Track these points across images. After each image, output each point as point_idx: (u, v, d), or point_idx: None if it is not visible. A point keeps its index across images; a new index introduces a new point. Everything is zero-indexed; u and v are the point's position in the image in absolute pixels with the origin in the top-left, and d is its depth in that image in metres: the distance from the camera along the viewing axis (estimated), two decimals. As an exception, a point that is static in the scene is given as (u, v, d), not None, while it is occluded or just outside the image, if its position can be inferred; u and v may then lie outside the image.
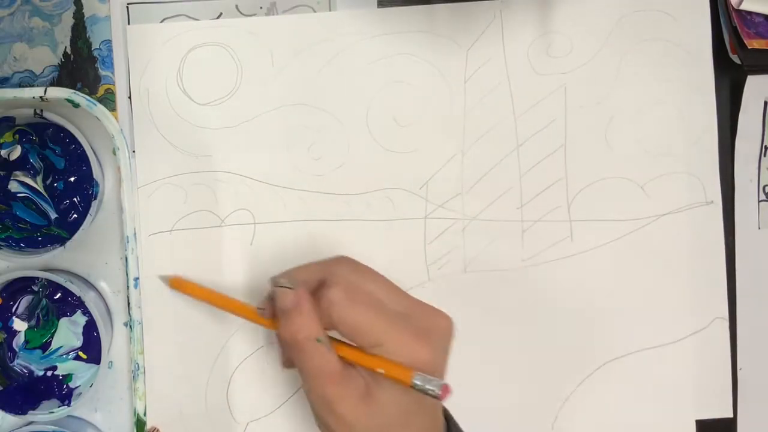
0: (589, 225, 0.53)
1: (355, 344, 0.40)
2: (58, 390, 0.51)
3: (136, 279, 0.50)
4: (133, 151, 0.52)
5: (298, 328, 0.40)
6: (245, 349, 0.52)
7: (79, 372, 0.51)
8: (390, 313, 0.40)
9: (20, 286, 0.51)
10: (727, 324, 0.54)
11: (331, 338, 0.41)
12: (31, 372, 0.51)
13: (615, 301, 0.53)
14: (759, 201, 0.55)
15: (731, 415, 0.54)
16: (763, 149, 0.55)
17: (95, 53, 0.52)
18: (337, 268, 0.42)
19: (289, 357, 0.44)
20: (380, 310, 0.40)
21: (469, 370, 0.53)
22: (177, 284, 0.51)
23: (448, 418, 0.44)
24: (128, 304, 0.50)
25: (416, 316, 0.41)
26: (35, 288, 0.51)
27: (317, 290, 0.41)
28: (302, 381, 0.41)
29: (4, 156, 0.49)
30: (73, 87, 0.51)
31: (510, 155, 0.53)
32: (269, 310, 0.44)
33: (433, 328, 0.41)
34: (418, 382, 0.38)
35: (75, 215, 0.50)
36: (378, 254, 0.52)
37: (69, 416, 0.51)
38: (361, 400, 0.39)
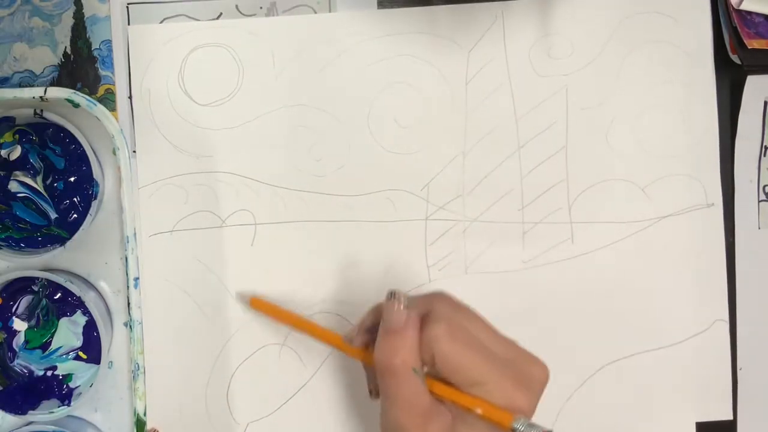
0: (590, 227, 0.53)
1: (449, 380, 0.39)
2: (58, 390, 0.51)
3: (136, 279, 0.50)
4: (134, 152, 0.52)
5: (397, 353, 0.39)
6: (245, 349, 0.52)
7: (79, 372, 0.51)
8: (491, 355, 0.39)
9: (20, 286, 0.51)
10: (727, 326, 0.54)
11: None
12: (31, 372, 0.51)
13: (615, 303, 0.53)
14: (759, 201, 0.55)
15: (731, 418, 0.54)
16: (763, 149, 0.55)
17: (95, 53, 0.52)
18: (439, 304, 0.41)
19: (377, 383, 0.43)
20: (482, 350, 0.39)
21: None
22: (257, 304, 0.51)
23: None
24: (128, 304, 0.50)
25: (516, 360, 0.40)
26: (35, 288, 0.51)
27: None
28: (385, 408, 0.40)
29: (4, 156, 0.49)
30: (73, 87, 0.51)
31: (511, 157, 0.53)
32: (359, 340, 0.44)
33: (531, 376, 0.40)
34: (519, 427, 0.37)
35: (75, 215, 0.50)
36: (379, 256, 0.52)
37: (69, 416, 0.51)
38: None
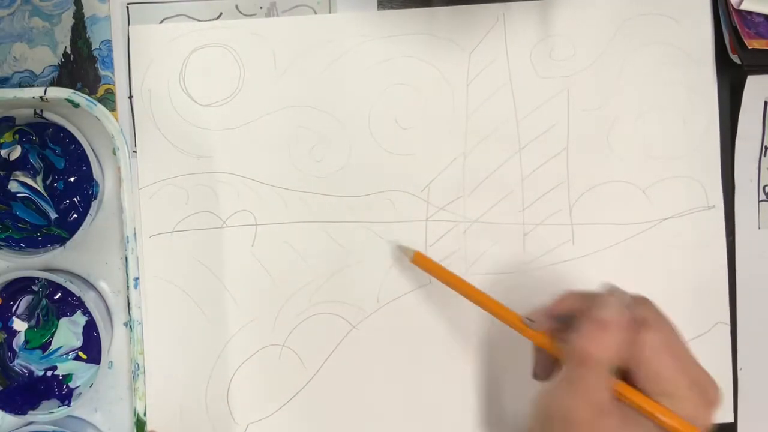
0: (591, 229, 0.53)
1: (643, 385, 0.40)
2: (58, 390, 0.51)
3: (136, 279, 0.50)
4: (134, 152, 0.52)
5: (601, 346, 0.39)
6: (246, 350, 0.52)
7: (79, 372, 0.51)
8: (687, 370, 0.40)
9: (20, 286, 0.51)
10: (728, 329, 0.54)
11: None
12: (31, 372, 0.51)
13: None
14: (759, 201, 0.55)
15: (732, 420, 0.54)
16: (763, 149, 0.54)
17: (95, 53, 0.52)
18: (651, 311, 0.41)
19: (548, 366, 0.43)
20: (681, 364, 0.40)
21: (470, 371, 0.53)
22: (419, 260, 0.50)
23: None
24: (128, 304, 0.50)
25: (700, 379, 0.40)
26: (35, 288, 0.51)
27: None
28: (558, 393, 0.40)
29: (4, 156, 0.49)
30: (73, 87, 0.51)
31: (512, 158, 0.53)
32: (546, 325, 0.44)
33: (713, 397, 0.41)
34: None
35: (75, 215, 0.50)
36: (379, 256, 0.52)
37: (69, 416, 0.51)
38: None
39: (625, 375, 0.40)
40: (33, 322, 0.50)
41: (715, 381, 0.41)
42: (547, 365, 0.45)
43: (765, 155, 0.54)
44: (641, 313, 0.41)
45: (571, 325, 0.41)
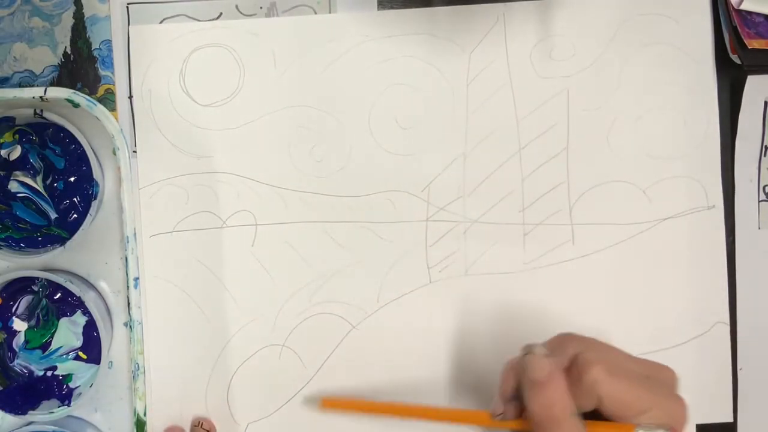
0: (591, 229, 0.53)
1: (614, 416, 0.40)
2: (58, 390, 0.50)
3: (136, 279, 0.50)
4: (134, 151, 0.52)
5: (553, 402, 0.39)
6: (246, 350, 0.52)
7: (79, 372, 0.51)
8: (642, 379, 0.40)
9: (20, 286, 0.51)
10: (728, 329, 0.54)
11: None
12: (31, 372, 0.51)
13: (616, 305, 0.53)
14: (759, 201, 0.54)
15: (731, 420, 0.54)
16: (763, 149, 0.54)
17: (95, 53, 0.52)
18: (577, 345, 0.41)
19: None
20: (636, 378, 0.40)
21: (470, 372, 0.53)
22: (329, 404, 0.50)
23: None
24: (128, 304, 0.50)
25: (653, 374, 0.41)
26: (35, 288, 0.51)
27: (567, 371, 0.40)
28: None
29: (4, 156, 0.49)
30: (73, 87, 0.51)
31: (512, 158, 0.53)
32: (511, 411, 0.43)
33: (671, 383, 0.41)
34: None
35: (75, 215, 0.50)
36: (379, 257, 0.52)
37: (69, 416, 0.51)
38: None
39: (590, 415, 0.40)
40: (33, 322, 0.50)
41: (661, 364, 0.41)
42: None
43: (765, 155, 0.54)
44: (570, 351, 0.41)
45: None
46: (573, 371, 0.40)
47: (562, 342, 0.42)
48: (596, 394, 0.39)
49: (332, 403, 0.51)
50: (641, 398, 0.39)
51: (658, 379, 0.41)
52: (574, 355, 0.40)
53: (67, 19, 0.51)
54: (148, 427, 0.50)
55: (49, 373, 0.51)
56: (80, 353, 0.51)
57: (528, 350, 0.41)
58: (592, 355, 0.40)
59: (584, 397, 0.39)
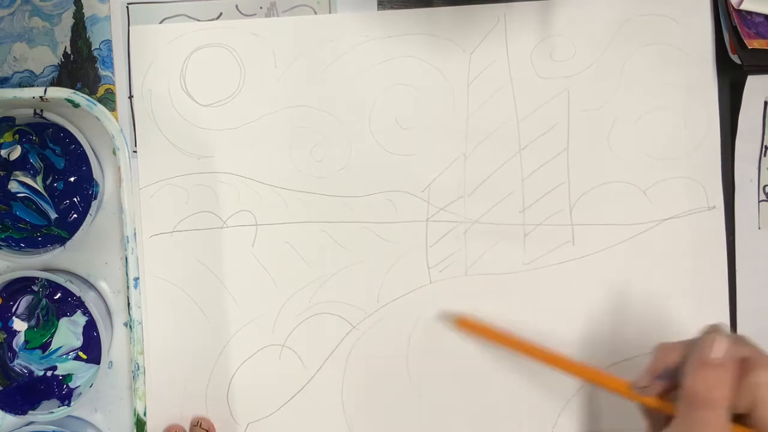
0: (591, 229, 0.53)
1: (763, 426, 0.38)
2: (58, 390, 0.51)
3: (136, 279, 0.50)
4: (134, 152, 0.52)
5: (718, 386, 0.38)
6: (246, 350, 0.52)
7: (79, 372, 0.51)
8: None
9: (20, 286, 0.51)
10: (728, 329, 0.54)
11: None
12: (31, 372, 0.51)
13: (616, 306, 0.53)
14: (759, 201, 0.54)
15: (731, 420, 0.54)
16: (763, 149, 0.54)
17: (95, 53, 0.52)
18: (751, 349, 0.40)
19: (661, 425, 0.41)
20: None
21: (470, 372, 0.53)
22: (463, 324, 0.51)
23: None
24: (128, 304, 0.50)
25: None
26: (35, 288, 0.51)
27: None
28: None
29: (4, 156, 0.49)
30: (73, 87, 0.51)
31: (512, 159, 0.53)
32: (655, 388, 0.42)
33: None
34: None
35: (75, 215, 0.50)
36: (379, 257, 0.52)
37: (69, 416, 0.51)
38: None
39: (737, 419, 0.39)
40: (33, 322, 0.50)
41: None
42: (660, 425, 0.43)
43: (765, 155, 0.54)
44: (744, 352, 0.39)
45: (676, 379, 0.40)
46: (739, 367, 0.38)
47: (739, 340, 0.41)
48: (754, 397, 0.38)
49: (468, 324, 0.50)
50: None
51: None
52: (747, 356, 0.39)
53: (67, 19, 0.51)
54: (148, 427, 0.50)
55: (49, 373, 0.51)
56: (80, 353, 0.51)
57: (713, 329, 0.40)
58: (765, 359, 0.39)
59: (741, 395, 0.38)
